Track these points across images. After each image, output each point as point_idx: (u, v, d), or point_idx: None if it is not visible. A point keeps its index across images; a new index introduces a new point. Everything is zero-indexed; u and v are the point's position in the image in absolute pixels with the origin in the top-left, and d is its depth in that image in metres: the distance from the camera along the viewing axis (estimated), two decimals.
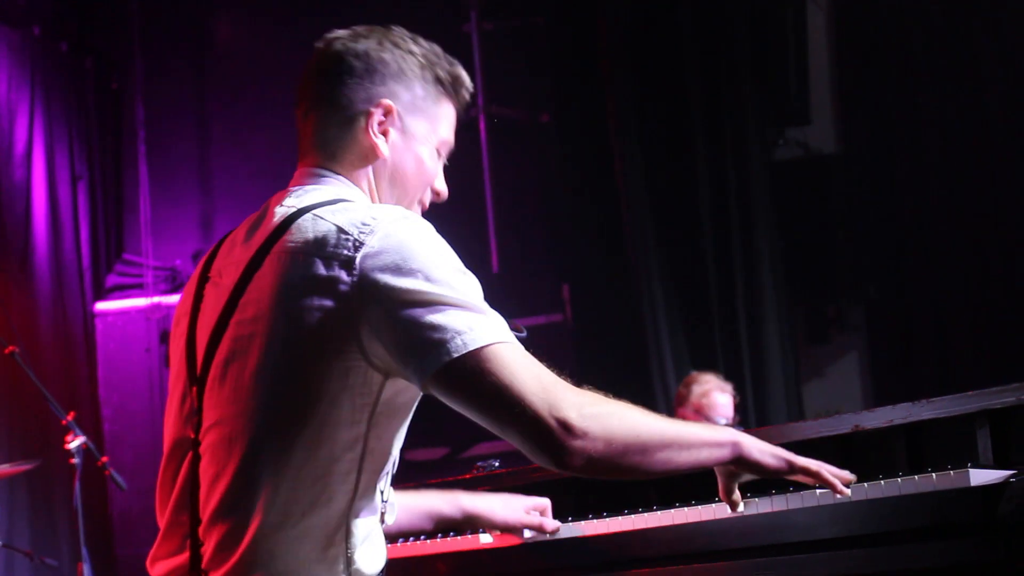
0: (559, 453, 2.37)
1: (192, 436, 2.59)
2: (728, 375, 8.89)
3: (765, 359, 9.12)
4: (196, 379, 2.61)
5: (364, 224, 2.49)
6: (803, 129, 9.86)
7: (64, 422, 6.23)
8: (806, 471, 2.70)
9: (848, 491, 2.74)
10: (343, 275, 2.45)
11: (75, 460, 6.20)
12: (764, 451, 2.66)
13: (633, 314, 9.19)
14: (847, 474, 2.75)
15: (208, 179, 8.70)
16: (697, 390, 7.33)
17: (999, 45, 8.91)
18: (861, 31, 9.73)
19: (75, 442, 6.20)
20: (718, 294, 9.23)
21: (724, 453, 2.62)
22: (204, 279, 2.71)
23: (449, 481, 3.69)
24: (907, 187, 9.40)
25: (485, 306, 2.48)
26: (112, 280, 8.89)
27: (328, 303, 2.44)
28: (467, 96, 2.81)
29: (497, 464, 3.77)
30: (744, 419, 8.61)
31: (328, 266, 2.46)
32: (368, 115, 2.69)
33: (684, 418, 7.27)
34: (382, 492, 2.62)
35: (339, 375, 2.45)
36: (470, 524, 3.29)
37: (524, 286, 9.34)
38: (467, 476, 3.79)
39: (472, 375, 2.39)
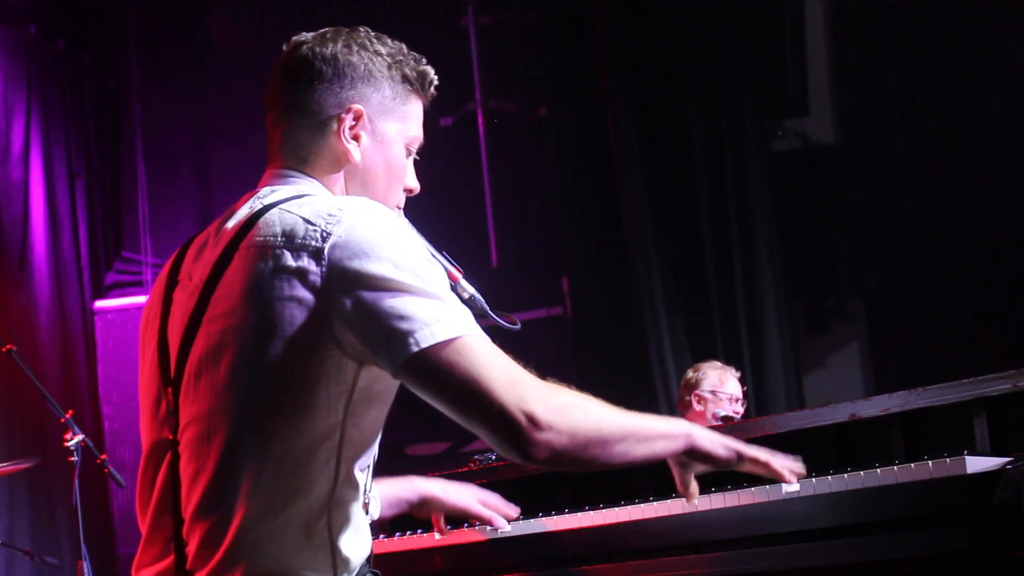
0: (525, 446, 2.42)
1: (170, 437, 2.61)
2: (729, 366, 8.90)
3: (765, 350, 9.11)
4: (171, 380, 2.63)
5: (330, 215, 2.53)
6: (801, 120, 9.85)
7: (63, 420, 6.23)
8: (755, 461, 2.75)
9: (796, 482, 2.79)
10: (312, 265, 2.48)
11: (74, 458, 6.19)
12: (715, 442, 2.72)
13: (632, 306, 9.18)
14: (798, 465, 2.79)
15: (206, 176, 8.71)
16: (712, 373, 7.31)
17: (997, 36, 8.89)
18: (859, 21, 9.71)
19: (74, 440, 6.19)
20: (717, 285, 9.23)
21: (678, 444, 2.67)
22: (172, 283, 2.73)
23: (447, 474, 3.69)
24: (906, 177, 9.38)
25: (452, 296, 2.52)
26: (111, 278, 8.90)
27: (299, 293, 2.48)
28: (434, 91, 2.86)
29: (494, 457, 3.78)
30: (745, 410, 8.60)
31: (297, 257, 2.50)
32: (339, 120, 2.72)
33: (700, 400, 7.28)
34: (364, 483, 2.63)
35: (313, 364, 2.48)
36: (425, 507, 3.32)
37: (523, 279, 9.34)
38: (464, 469, 3.79)
39: (440, 367, 2.43)
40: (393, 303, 2.44)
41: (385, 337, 2.44)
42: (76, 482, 6.20)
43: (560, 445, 2.43)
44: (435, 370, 2.43)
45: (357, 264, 2.47)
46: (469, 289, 3.26)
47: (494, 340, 2.51)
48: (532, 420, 2.41)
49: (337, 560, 2.55)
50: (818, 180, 9.82)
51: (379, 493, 3.28)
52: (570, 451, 2.45)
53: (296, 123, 2.74)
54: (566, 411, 2.46)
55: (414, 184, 2.88)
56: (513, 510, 3.35)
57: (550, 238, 9.55)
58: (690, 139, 9.28)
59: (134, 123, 9.00)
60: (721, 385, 7.26)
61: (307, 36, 2.78)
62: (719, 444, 2.72)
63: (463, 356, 2.43)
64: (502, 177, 9.51)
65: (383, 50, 2.77)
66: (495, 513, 3.35)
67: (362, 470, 2.61)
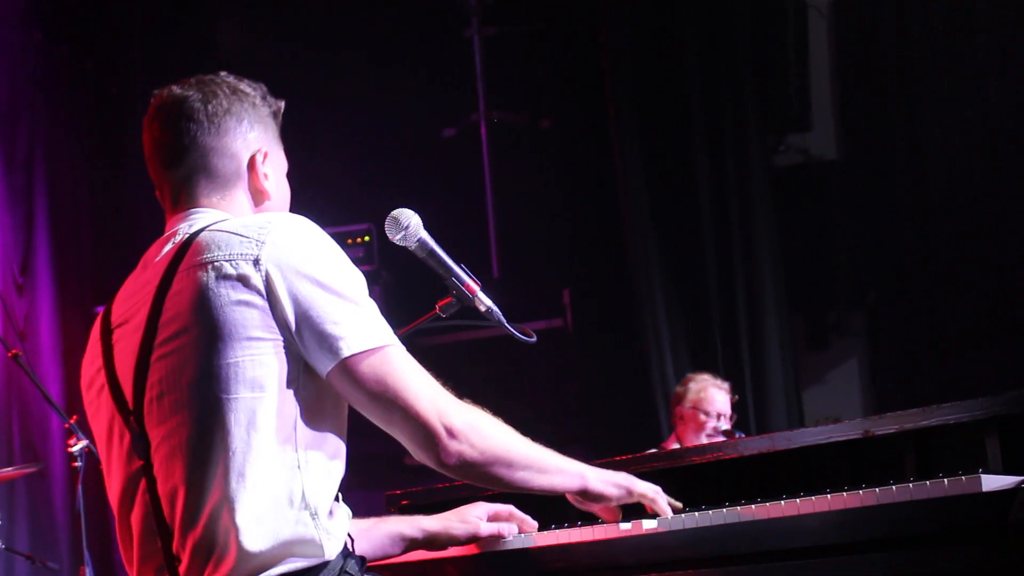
0: (440, 453, 2.68)
1: (141, 463, 2.72)
2: (728, 380, 8.89)
3: (766, 364, 9.12)
4: (130, 411, 2.75)
5: (260, 228, 2.72)
6: (804, 135, 9.87)
7: (67, 425, 6.23)
8: (643, 496, 3.03)
9: (672, 516, 3.02)
10: (252, 271, 2.66)
11: (78, 463, 6.19)
12: (607, 482, 2.98)
13: (634, 319, 9.20)
14: (677, 504, 3.05)
15: None
16: (694, 387, 7.36)
17: (1001, 53, 8.92)
18: (862, 37, 9.73)
19: (78, 445, 6.19)
20: (719, 299, 9.24)
21: (574, 483, 2.94)
22: (107, 333, 2.87)
23: (446, 486, 3.69)
24: (907, 193, 9.40)
25: (372, 306, 2.73)
26: (115, 283, 8.88)
27: (245, 296, 2.65)
28: (281, 115, 3.04)
29: None
30: (744, 424, 8.61)
31: (236, 266, 2.67)
32: (252, 163, 2.91)
33: (682, 417, 7.31)
34: (333, 469, 2.74)
35: (267, 361, 2.65)
36: (433, 544, 3.36)
37: (524, 291, 9.34)
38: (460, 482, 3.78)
39: (368, 373, 2.66)
40: (326, 308, 2.66)
41: (318, 340, 2.65)
42: (79, 488, 6.20)
43: (471, 457, 2.70)
44: (364, 376, 2.66)
45: (292, 269, 2.67)
46: (486, 302, 3.29)
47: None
48: (449, 431, 2.68)
49: (324, 539, 2.67)
50: (820, 195, 9.84)
51: (383, 530, 3.27)
52: (479, 465, 2.73)
53: (215, 167, 2.89)
54: (480, 429, 2.73)
55: None
56: (530, 523, 3.35)
57: (552, 250, 9.55)
58: (693, 152, 9.29)
59: (139, 129, 9.00)
60: (701, 400, 7.27)
61: (184, 89, 2.91)
62: (611, 484, 2.98)
63: (390, 366, 2.68)
64: (504, 188, 9.51)
65: (253, 92, 2.96)
66: (502, 525, 3.36)
67: (335, 454, 2.75)
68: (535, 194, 9.59)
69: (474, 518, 3.33)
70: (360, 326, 2.67)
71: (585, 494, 2.96)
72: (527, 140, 9.63)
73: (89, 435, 6.32)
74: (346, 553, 2.73)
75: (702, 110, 9.30)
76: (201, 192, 2.89)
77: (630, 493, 3.00)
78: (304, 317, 2.64)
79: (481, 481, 2.85)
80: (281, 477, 2.63)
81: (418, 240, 3.24)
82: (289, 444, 2.65)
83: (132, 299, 2.82)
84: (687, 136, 9.32)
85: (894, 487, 2.74)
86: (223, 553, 2.60)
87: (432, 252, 3.27)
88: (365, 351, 2.66)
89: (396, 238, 3.19)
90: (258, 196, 2.93)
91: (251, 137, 2.91)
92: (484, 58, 9.51)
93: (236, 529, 2.59)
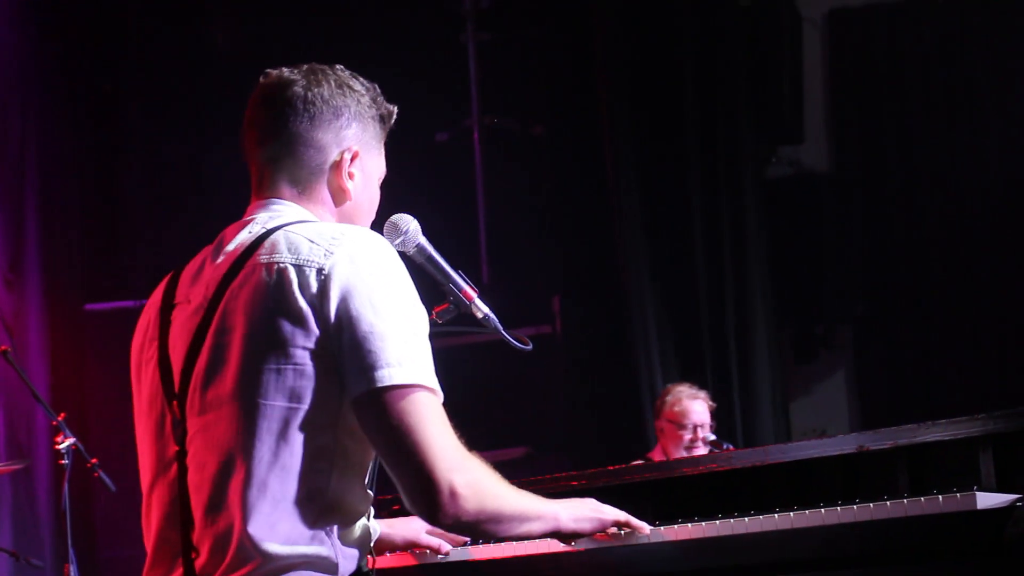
0: (436, 512, 2.62)
1: (177, 448, 2.71)
2: (716, 391, 8.91)
3: (753, 376, 9.14)
4: (175, 395, 2.74)
5: (334, 238, 2.68)
6: (796, 147, 9.89)
7: (54, 423, 6.22)
8: (616, 523, 3.04)
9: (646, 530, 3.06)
10: (313, 281, 2.63)
11: (64, 461, 6.18)
12: (580, 519, 2.97)
13: (623, 327, 9.20)
14: (647, 527, 3.08)
15: (201, 181, 8.67)
16: (669, 400, 7.36)
17: (992, 66, 8.96)
18: (855, 51, 9.77)
19: (65, 443, 6.17)
20: (708, 309, 9.25)
21: (548, 526, 2.90)
22: (168, 306, 2.84)
23: None
24: (898, 207, 9.44)
25: (423, 344, 2.67)
26: (104, 281, 8.86)
27: (299, 307, 2.62)
28: (393, 122, 3.00)
29: None
30: (732, 435, 8.63)
31: (300, 273, 2.64)
32: (339, 159, 2.86)
33: (661, 429, 7.30)
34: (365, 487, 2.75)
35: (309, 373, 2.62)
36: (376, 544, 3.35)
37: (514, 297, 9.33)
38: None
39: (391, 411, 2.61)
40: (369, 333, 2.60)
41: (357, 362, 2.60)
42: (66, 486, 6.19)
43: (466, 518, 2.64)
44: (385, 412, 2.60)
45: (352, 286, 2.62)
46: (483, 308, 3.29)
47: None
48: (452, 491, 2.60)
49: (340, 557, 2.65)
50: (810, 207, 9.86)
51: None
52: (471, 523, 2.67)
53: (299, 156, 2.85)
54: (481, 490, 2.66)
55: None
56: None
57: (542, 257, 9.55)
58: (686, 162, 9.31)
59: (131, 127, 8.97)
60: (676, 414, 7.26)
61: (293, 73, 2.87)
62: (584, 520, 2.97)
63: (415, 408, 2.61)
64: (496, 194, 9.51)
65: (362, 90, 2.91)
66: (441, 540, 3.39)
67: (362, 476, 2.74)
68: (527, 200, 9.60)
69: (418, 525, 3.35)
70: (402, 360, 2.60)
71: (558, 535, 2.96)
72: (520, 146, 9.63)
73: (75, 433, 6.32)
74: (359, 573, 2.71)
75: (695, 120, 9.32)
76: (283, 179, 2.85)
77: (602, 525, 3.01)
78: (349, 336, 2.60)
79: (471, 535, 2.97)
80: (302, 492, 2.62)
81: (416, 245, 3.24)
82: (317, 461, 2.63)
83: (200, 281, 2.80)
84: (680, 145, 9.34)
85: (888, 503, 2.74)
86: (237, 556, 2.59)
87: (430, 257, 3.27)
88: (399, 386, 2.60)
89: (395, 243, 3.18)
90: (339, 194, 2.87)
91: (346, 134, 2.85)
92: (478, 64, 9.51)
93: (250, 535, 2.59)
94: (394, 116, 2.97)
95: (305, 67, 2.89)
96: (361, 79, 2.93)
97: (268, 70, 2.91)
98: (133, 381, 2.90)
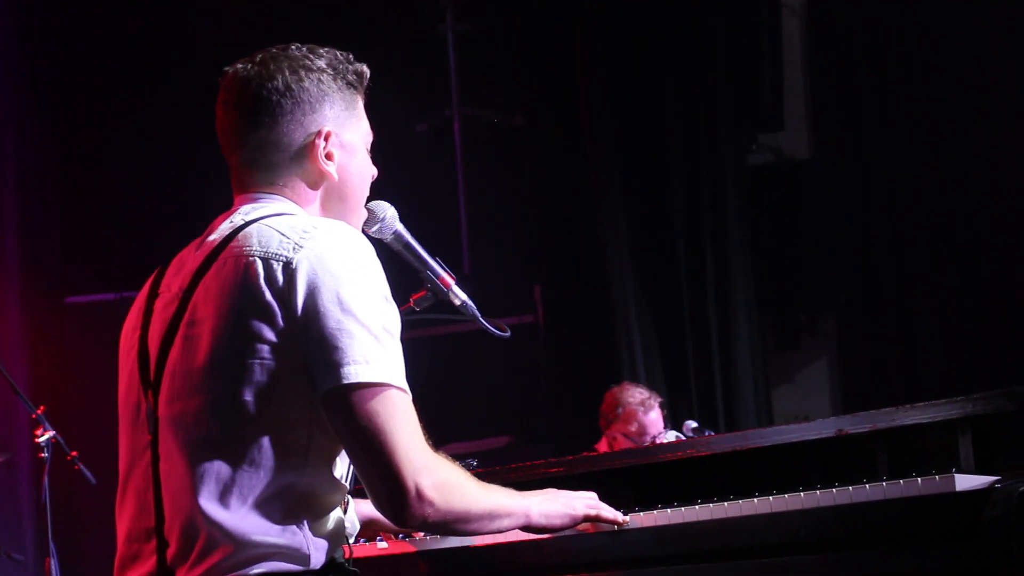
0: (403, 513, 2.62)
1: (150, 437, 2.70)
2: (698, 378, 8.96)
3: (735, 363, 9.15)
4: (150, 384, 2.74)
5: (305, 231, 2.66)
6: (776, 135, 9.89)
7: (34, 416, 6.20)
8: (587, 517, 3.00)
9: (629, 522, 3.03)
10: (280, 275, 2.61)
11: (44, 454, 6.16)
12: (551, 515, 2.94)
13: (604, 316, 9.21)
14: (622, 516, 3.05)
15: (186, 174, 8.64)
16: (621, 412, 7.24)
17: (973, 52, 8.96)
18: (835, 37, 9.77)
19: (45, 436, 6.15)
20: (690, 297, 9.26)
21: (519, 522, 2.89)
22: (153, 296, 2.84)
23: None
24: (879, 194, 9.45)
25: (393, 343, 2.65)
26: (84, 274, 8.83)
27: (266, 300, 2.61)
28: (367, 80, 2.93)
29: (475, 463, 3.77)
30: (713, 423, 8.64)
31: (268, 266, 2.63)
32: (311, 146, 2.81)
33: (614, 438, 7.19)
34: (340, 477, 2.74)
35: (277, 368, 2.61)
36: (368, 528, 3.34)
37: (495, 287, 9.34)
38: None
39: (358, 410, 2.58)
40: (336, 329, 2.58)
41: (318, 360, 2.58)
42: (46, 479, 6.17)
43: (433, 519, 2.63)
44: (352, 411, 2.58)
45: (318, 281, 2.60)
46: (461, 296, 3.29)
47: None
48: (419, 493, 2.59)
49: (311, 548, 2.64)
50: (791, 195, 9.88)
51: None
52: (438, 524, 2.68)
53: (268, 159, 2.82)
54: (448, 491, 2.64)
55: (374, 171, 2.98)
56: None
57: (523, 246, 9.56)
58: (666, 151, 9.32)
59: (112, 119, 8.94)
60: (631, 432, 7.20)
61: (247, 70, 2.82)
62: (555, 516, 2.95)
63: (383, 407, 2.59)
64: (477, 184, 9.51)
65: (323, 64, 2.84)
66: None
67: (335, 465, 2.72)
68: (507, 190, 9.60)
69: None
70: (369, 357, 2.58)
71: (530, 529, 2.94)
72: (500, 136, 9.62)
73: (56, 426, 6.30)
74: (332, 564, 2.70)
75: (676, 109, 9.32)
76: (260, 179, 2.83)
77: (573, 520, 2.98)
78: (316, 332, 2.58)
79: (436, 534, 3.03)
80: (273, 486, 2.60)
81: (394, 232, 3.22)
82: (288, 456, 2.62)
83: (180, 272, 2.79)
84: (660, 134, 9.35)
85: (867, 486, 2.74)
86: (207, 545, 2.58)
87: (407, 244, 3.26)
88: (367, 384, 2.58)
89: (371, 230, 3.16)
90: (318, 178, 2.83)
91: (312, 119, 2.79)
92: (458, 54, 9.50)
93: (220, 526, 2.57)
94: (366, 76, 2.91)
95: (258, 58, 2.83)
96: (320, 50, 2.86)
97: (225, 68, 2.87)
98: (119, 366, 2.89)
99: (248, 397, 2.60)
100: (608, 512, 3.03)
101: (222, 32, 8.98)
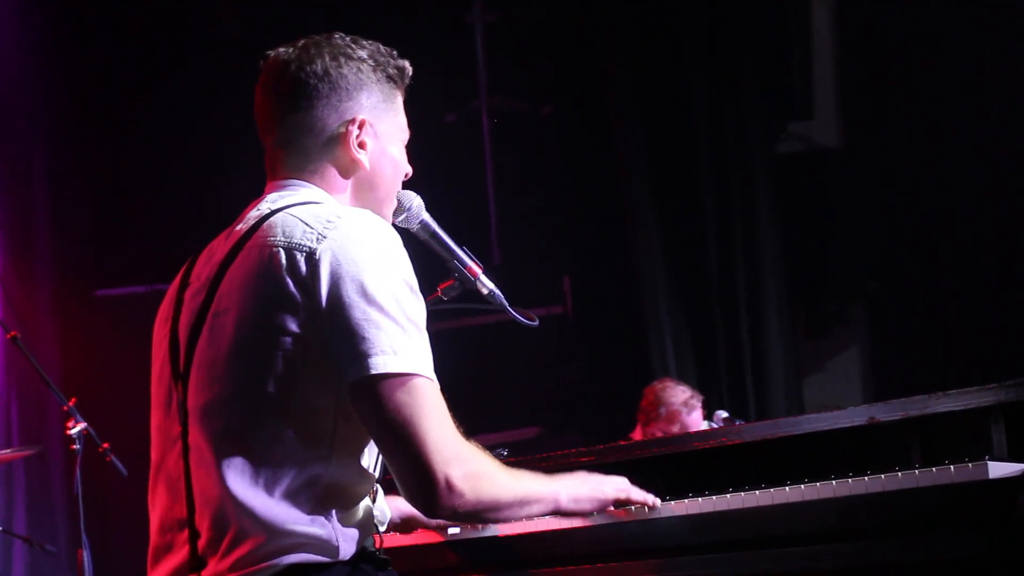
0: (432, 504, 2.60)
1: (180, 429, 2.71)
2: (729, 368, 8.93)
3: (766, 352, 9.12)
4: (180, 375, 2.74)
5: (329, 221, 2.65)
6: (806, 123, 9.85)
7: (65, 408, 6.21)
8: (617, 500, 3.03)
9: (659, 505, 3.05)
10: (303, 265, 2.60)
11: (76, 446, 6.18)
12: (580, 499, 2.96)
13: (634, 307, 9.19)
14: (653, 498, 3.06)
15: (216, 164, 8.65)
16: (664, 412, 7.23)
17: (1003, 41, 8.90)
18: (865, 25, 9.72)
19: (76, 428, 6.17)
20: (719, 286, 9.24)
21: (548, 508, 2.90)
22: (184, 285, 2.85)
23: None
24: (908, 182, 9.39)
25: (419, 333, 2.63)
26: (114, 267, 8.86)
27: (289, 291, 2.59)
28: (409, 79, 2.94)
29: (506, 453, 3.78)
30: (744, 412, 8.62)
31: (291, 256, 2.61)
32: (345, 133, 2.82)
33: (652, 435, 7.17)
34: (367, 467, 2.73)
35: (299, 357, 2.60)
36: (406, 525, 3.39)
37: (524, 278, 9.32)
38: None
39: (387, 400, 2.56)
40: (363, 320, 2.57)
41: (343, 353, 2.57)
42: (77, 471, 6.19)
43: (462, 510, 2.62)
44: (380, 402, 2.56)
45: (342, 271, 2.59)
46: (489, 285, 3.28)
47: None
48: (448, 484, 2.57)
49: (340, 539, 2.63)
50: (821, 184, 9.83)
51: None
52: (469, 514, 2.66)
53: (301, 143, 2.83)
54: (477, 481, 2.63)
55: (409, 169, 2.99)
56: None
57: (552, 237, 9.54)
58: (695, 140, 9.29)
59: (140, 113, 8.96)
60: (668, 424, 7.18)
61: (288, 53, 2.84)
62: (585, 500, 2.97)
63: (412, 398, 2.57)
64: (506, 175, 9.50)
65: (364, 54, 2.85)
66: None
67: (362, 455, 2.72)
68: (536, 181, 9.58)
69: None
70: (397, 347, 2.57)
71: (559, 514, 2.95)
72: (528, 126, 9.61)
73: (87, 418, 6.32)
74: (362, 554, 2.69)
75: (704, 98, 9.29)
76: (293, 163, 2.84)
77: (602, 504, 3.00)
78: (341, 323, 2.56)
79: (469, 524, 3.09)
80: (300, 477, 2.60)
81: (420, 222, 3.22)
82: (314, 446, 2.61)
83: (209, 261, 2.80)
84: (688, 123, 9.32)
85: (900, 474, 2.73)
86: (237, 535, 2.58)
87: (434, 234, 3.26)
88: (396, 375, 2.56)
89: (398, 220, 3.16)
90: (352, 167, 2.84)
91: (348, 106, 2.82)
92: (486, 44, 9.49)
93: (250, 516, 2.58)
94: (408, 72, 2.92)
95: (301, 43, 2.85)
96: (363, 42, 2.88)
97: (267, 52, 2.89)
98: (152, 355, 2.90)
99: (271, 388, 2.60)
100: (638, 494, 3.03)
101: (248, 24, 8.98)
